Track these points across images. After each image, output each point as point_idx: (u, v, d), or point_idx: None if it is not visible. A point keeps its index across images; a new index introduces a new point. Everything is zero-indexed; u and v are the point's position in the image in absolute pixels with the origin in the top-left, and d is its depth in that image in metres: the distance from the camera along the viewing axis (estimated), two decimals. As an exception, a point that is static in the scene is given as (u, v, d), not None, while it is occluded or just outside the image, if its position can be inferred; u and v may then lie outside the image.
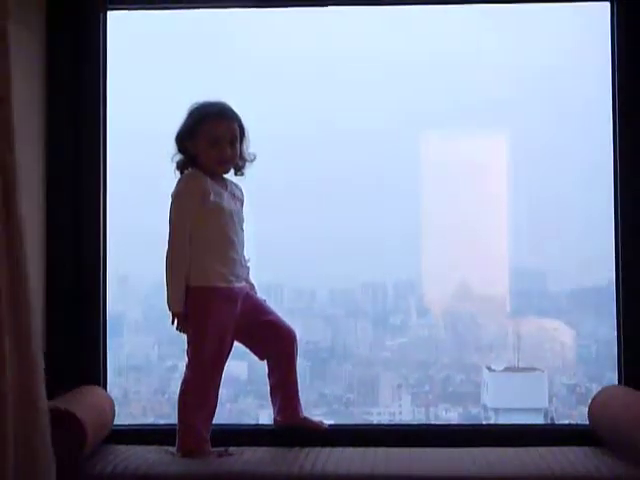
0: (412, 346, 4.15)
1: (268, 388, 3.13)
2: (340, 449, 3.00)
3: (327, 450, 2.97)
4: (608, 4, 3.34)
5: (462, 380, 4.10)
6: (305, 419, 3.11)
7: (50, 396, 3.07)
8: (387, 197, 3.80)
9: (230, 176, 3.11)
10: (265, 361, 3.13)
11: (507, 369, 3.99)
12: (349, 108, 3.73)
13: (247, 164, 3.10)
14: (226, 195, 3.02)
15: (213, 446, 3.00)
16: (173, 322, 2.99)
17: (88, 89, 3.35)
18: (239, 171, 3.11)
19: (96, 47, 3.36)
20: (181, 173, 3.05)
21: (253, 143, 3.10)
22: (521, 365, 3.99)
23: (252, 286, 3.15)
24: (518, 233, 3.74)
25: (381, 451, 2.99)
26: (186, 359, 3.03)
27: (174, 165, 3.05)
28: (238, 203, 3.08)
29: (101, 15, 3.38)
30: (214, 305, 2.96)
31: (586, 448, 3.00)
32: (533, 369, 4.02)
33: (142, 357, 4.16)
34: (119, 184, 3.46)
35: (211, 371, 2.99)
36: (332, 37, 3.70)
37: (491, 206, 3.64)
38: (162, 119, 3.70)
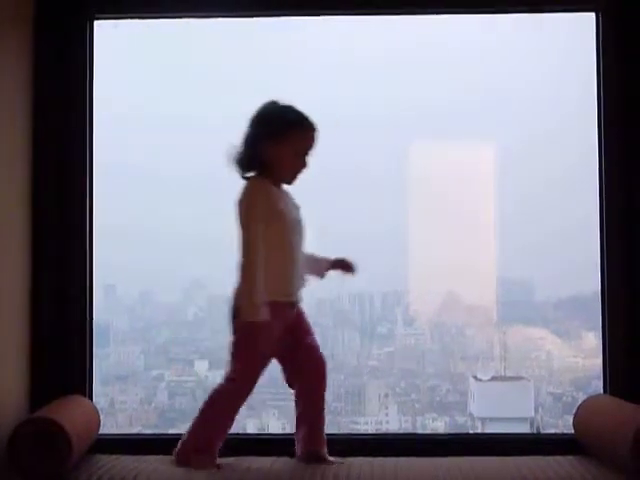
0: (399, 355, 4.16)
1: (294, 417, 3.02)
2: (326, 459, 2.99)
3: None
4: (593, 15, 3.36)
5: (449, 389, 4.11)
6: (326, 459, 2.94)
7: (35, 406, 3.08)
8: (374, 207, 3.80)
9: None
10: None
11: (493, 378, 3.99)
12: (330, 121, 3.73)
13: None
14: (290, 204, 2.92)
15: None
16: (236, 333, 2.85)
17: (75, 99, 3.35)
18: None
19: (82, 57, 3.36)
20: (242, 171, 2.89)
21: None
22: (507, 374, 4.00)
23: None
24: (504, 243, 3.75)
25: (368, 460, 2.98)
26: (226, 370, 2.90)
27: (235, 162, 2.89)
28: (299, 213, 2.95)
29: (88, 24, 3.38)
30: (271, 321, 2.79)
31: (571, 457, 3.00)
32: (519, 378, 4.02)
33: (128, 367, 4.15)
34: (107, 194, 3.46)
35: (249, 386, 2.91)
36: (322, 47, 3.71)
37: (477, 216, 3.65)
38: (150, 129, 3.71)
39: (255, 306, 2.75)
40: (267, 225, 2.80)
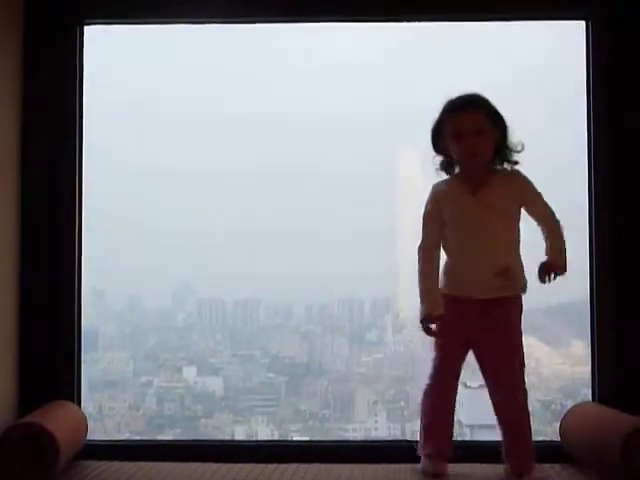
0: (388, 362, 4.15)
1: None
2: (316, 465, 2.99)
3: (303, 466, 2.96)
4: (583, 23, 3.38)
5: (438, 396, 4.10)
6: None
7: (23, 411, 3.07)
8: (363, 213, 3.80)
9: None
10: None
11: (482, 386, 3.98)
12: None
13: (515, 153, 2.91)
14: (474, 201, 2.86)
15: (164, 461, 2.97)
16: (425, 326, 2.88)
17: (65, 105, 3.35)
18: (506, 161, 2.91)
19: (73, 62, 3.36)
20: (447, 173, 2.96)
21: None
22: (497, 382, 3.99)
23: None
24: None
25: (357, 467, 2.98)
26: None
27: (435, 167, 2.96)
28: (490, 208, 2.85)
29: (78, 29, 3.38)
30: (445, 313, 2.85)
31: (558, 465, 3.00)
32: (508, 386, 4.01)
33: (117, 373, 4.14)
34: (96, 199, 3.46)
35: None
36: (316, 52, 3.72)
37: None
38: (142, 134, 3.71)
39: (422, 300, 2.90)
40: (443, 225, 2.91)
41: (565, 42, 3.45)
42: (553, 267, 2.88)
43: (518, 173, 2.92)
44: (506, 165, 2.92)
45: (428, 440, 2.90)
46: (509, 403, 2.89)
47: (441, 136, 2.89)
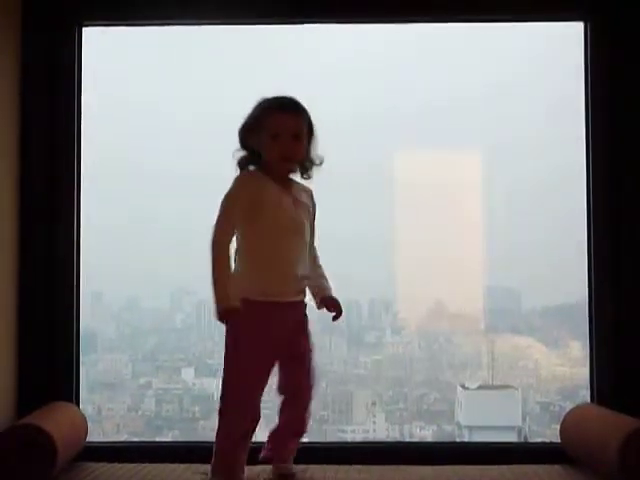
0: (386, 363, 4.15)
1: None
2: (314, 467, 2.99)
3: (301, 467, 2.96)
4: (582, 24, 3.38)
5: (436, 398, 4.10)
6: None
7: (22, 413, 3.07)
8: (361, 214, 3.80)
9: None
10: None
11: (481, 387, 3.99)
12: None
13: (314, 167, 2.86)
14: (286, 200, 2.78)
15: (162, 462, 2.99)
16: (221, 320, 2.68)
17: (64, 105, 3.34)
18: (305, 173, 2.86)
19: (72, 63, 3.36)
20: (241, 170, 2.82)
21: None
22: (495, 383, 4.00)
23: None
24: (492, 251, 3.75)
25: (355, 469, 2.98)
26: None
27: (235, 161, 2.82)
28: (302, 209, 2.83)
29: (76, 30, 3.38)
30: (250, 320, 2.67)
31: (558, 466, 3.01)
32: (507, 387, 4.02)
33: (115, 374, 4.14)
34: (95, 198, 3.46)
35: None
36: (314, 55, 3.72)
37: (465, 224, 3.65)
38: (140, 135, 3.71)
39: (219, 301, 2.64)
40: (247, 222, 2.72)
41: (565, 41, 3.46)
42: (334, 301, 2.89)
43: (311, 191, 2.91)
44: (303, 177, 2.87)
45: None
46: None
47: (254, 132, 2.79)
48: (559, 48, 3.51)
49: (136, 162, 3.74)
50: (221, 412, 2.78)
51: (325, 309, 2.91)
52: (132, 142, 3.77)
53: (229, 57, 3.68)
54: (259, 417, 2.80)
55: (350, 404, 4.13)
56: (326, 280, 2.93)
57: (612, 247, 3.27)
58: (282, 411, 2.90)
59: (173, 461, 3.07)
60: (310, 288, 2.90)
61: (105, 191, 3.65)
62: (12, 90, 3.25)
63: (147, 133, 3.80)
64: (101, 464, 3.03)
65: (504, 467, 2.97)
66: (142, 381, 4.15)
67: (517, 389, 4.02)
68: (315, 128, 2.83)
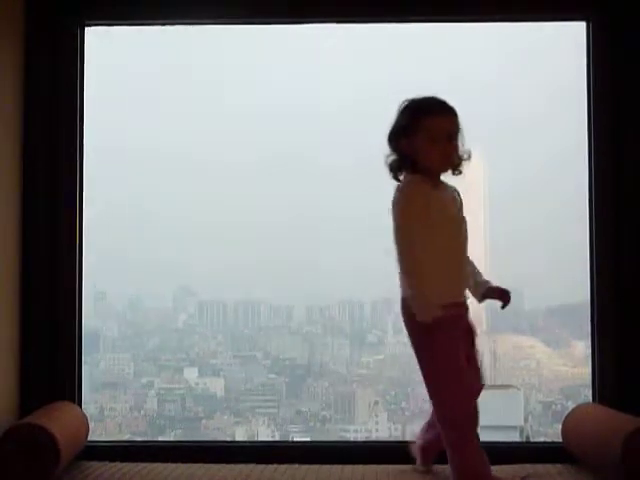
0: (389, 363, 4.15)
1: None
2: (317, 466, 2.99)
3: (304, 467, 2.97)
4: (584, 23, 3.38)
5: (439, 397, 4.10)
6: None
7: (24, 412, 3.08)
8: (363, 214, 3.80)
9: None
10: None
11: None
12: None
13: (463, 162, 2.81)
14: (448, 200, 2.78)
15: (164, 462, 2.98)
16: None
17: (66, 105, 3.35)
18: (456, 170, 2.81)
19: (74, 63, 3.36)
20: (394, 175, 2.78)
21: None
22: (497, 383, 3.99)
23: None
24: (494, 251, 3.75)
25: (358, 468, 2.98)
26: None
27: (387, 167, 2.79)
28: (458, 208, 2.82)
29: (79, 30, 3.39)
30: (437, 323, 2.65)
31: (560, 466, 3.01)
32: (509, 387, 4.02)
33: (118, 374, 4.14)
34: (97, 198, 3.46)
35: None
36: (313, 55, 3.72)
37: (468, 223, 3.66)
38: (140, 135, 3.71)
39: (427, 306, 2.65)
40: (424, 226, 2.69)
41: (564, 41, 3.47)
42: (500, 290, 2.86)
43: (456, 189, 2.86)
44: (454, 174, 2.84)
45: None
46: None
47: (405, 135, 2.76)
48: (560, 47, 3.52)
49: (139, 162, 3.74)
50: (454, 424, 2.73)
51: (497, 300, 2.85)
52: (135, 142, 3.78)
53: (229, 57, 3.69)
54: None
55: (353, 404, 4.14)
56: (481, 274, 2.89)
57: (614, 247, 3.27)
58: None
59: (175, 461, 3.07)
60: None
61: (107, 191, 3.65)
62: (14, 89, 3.25)
63: (149, 134, 3.80)
64: (103, 463, 3.03)
65: (506, 466, 2.97)
66: (144, 381, 4.16)
67: (519, 389, 4.02)
68: (461, 123, 2.79)
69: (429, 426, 2.92)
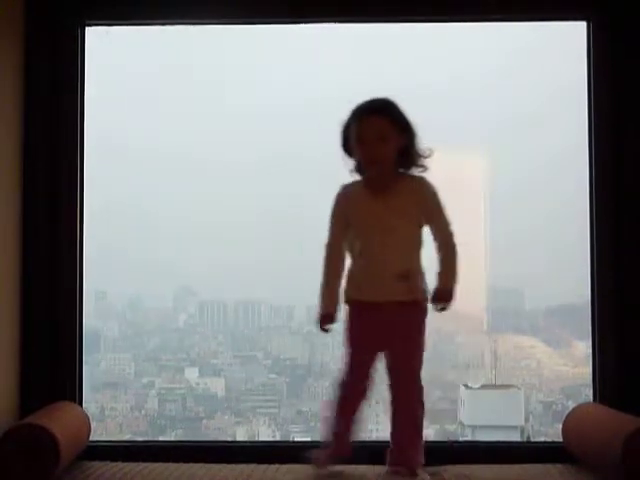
0: (389, 363, 4.14)
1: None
2: (317, 466, 2.99)
3: (305, 467, 2.96)
4: (584, 23, 3.38)
5: (439, 397, 4.10)
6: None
7: (25, 412, 3.08)
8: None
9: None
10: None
11: (484, 386, 3.99)
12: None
13: (422, 159, 2.87)
14: (377, 204, 2.84)
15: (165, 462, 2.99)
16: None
17: (66, 105, 3.35)
18: (408, 168, 2.87)
19: (74, 63, 3.36)
20: (360, 175, 2.92)
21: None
22: (498, 382, 4.00)
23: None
24: (494, 251, 3.75)
25: (359, 468, 2.98)
26: None
27: (350, 169, 2.93)
28: (392, 211, 2.84)
29: (79, 30, 3.39)
30: (349, 319, 2.95)
31: (560, 466, 3.01)
32: (510, 386, 4.02)
33: (119, 373, 4.15)
34: (98, 198, 3.46)
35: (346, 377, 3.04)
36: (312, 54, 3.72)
37: (468, 223, 3.65)
38: (140, 135, 3.71)
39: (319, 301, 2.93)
40: (346, 228, 2.89)
41: (564, 41, 3.47)
42: (441, 296, 2.87)
43: (423, 180, 2.90)
44: (415, 170, 2.89)
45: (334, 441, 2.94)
46: (403, 399, 2.94)
47: (347, 140, 2.86)
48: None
49: (139, 162, 3.74)
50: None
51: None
52: (135, 142, 3.78)
53: (229, 57, 3.69)
54: None
55: (353, 404, 4.13)
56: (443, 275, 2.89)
57: (615, 247, 3.27)
58: None
59: (176, 461, 3.07)
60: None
61: (108, 191, 3.65)
62: (14, 89, 3.25)
63: (149, 134, 3.80)
64: (104, 463, 3.03)
65: (506, 466, 2.97)
66: (145, 381, 4.16)
67: (520, 388, 4.02)
68: (410, 123, 2.84)
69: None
